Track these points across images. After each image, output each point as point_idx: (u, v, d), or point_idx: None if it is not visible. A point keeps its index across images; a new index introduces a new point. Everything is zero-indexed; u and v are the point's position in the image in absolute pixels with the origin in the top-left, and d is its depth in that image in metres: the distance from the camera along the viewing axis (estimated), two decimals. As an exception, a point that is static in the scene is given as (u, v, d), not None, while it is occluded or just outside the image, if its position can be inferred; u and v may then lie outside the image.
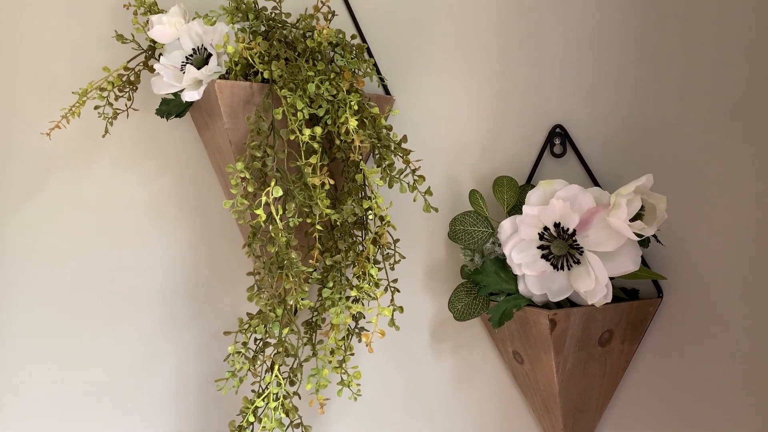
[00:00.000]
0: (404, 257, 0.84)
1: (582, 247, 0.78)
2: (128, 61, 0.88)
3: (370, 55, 0.93)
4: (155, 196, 0.96)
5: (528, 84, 0.90)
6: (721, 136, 0.85)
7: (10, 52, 0.97)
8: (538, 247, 0.80)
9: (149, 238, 0.96)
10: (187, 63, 0.83)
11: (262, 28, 0.85)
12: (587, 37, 0.89)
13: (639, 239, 0.75)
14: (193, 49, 0.84)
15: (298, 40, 0.83)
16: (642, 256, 0.79)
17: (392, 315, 0.79)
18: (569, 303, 0.82)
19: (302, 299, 0.76)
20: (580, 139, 0.89)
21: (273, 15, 0.86)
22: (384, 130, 0.80)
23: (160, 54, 0.85)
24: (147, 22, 0.86)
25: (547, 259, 0.80)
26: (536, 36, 0.90)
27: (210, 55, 0.82)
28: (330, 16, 0.87)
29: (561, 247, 0.79)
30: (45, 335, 0.97)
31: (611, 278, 0.77)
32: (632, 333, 0.84)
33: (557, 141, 0.89)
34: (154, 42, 0.88)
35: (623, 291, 0.85)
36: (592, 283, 0.76)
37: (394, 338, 0.91)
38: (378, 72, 0.93)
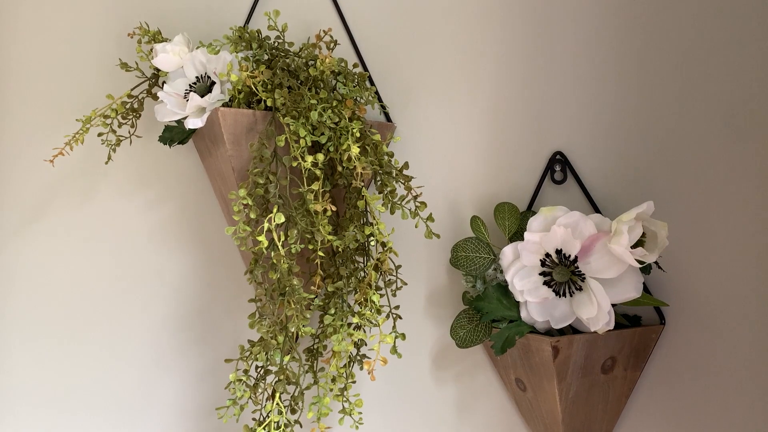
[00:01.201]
0: (406, 284, 0.83)
1: (584, 274, 0.78)
2: (132, 89, 0.89)
3: (372, 83, 0.94)
4: (157, 222, 0.96)
5: (528, 111, 0.91)
6: (721, 163, 0.86)
7: (14, 79, 0.98)
8: (540, 274, 0.80)
9: (151, 264, 0.96)
10: (190, 91, 0.84)
11: (266, 57, 0.85)
12: (587, 64, 0.90)
13: (640, 266, 0.75)
14: (197, 77, 0.84)
15: (301, 68, 0.83)
16: (644, 283, 0.79)
17: (394, 342, 0.79)
18: (572, 330, 0.82)
19: (304, 326, 0.75)
20: (581, 165, 0.89)
21: (276, 44, 0.87)
22: (386, 157, 0.81)
23: (164, 82, 0.86)
24: (151, 50, 0.87)
25: (549, 286, 0.80)
26: (536, 63, 0.91)
27: (213, 83, 0.83)
28: (332, 45, 0.88)
29: (563, 273, 0.79)
30: (44, 361, 0.96)
31: (613, 305, 0.77)
32: (635, 360, 0.84)
33: (557, 168, 0.90)
34: (158, 70, 0.88)
35: (625, 317, 0.85)
36: (595, 310, 0.76)
37: (395, 365, 0.90)
38: (379, 100, 0.94)
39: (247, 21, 0.94)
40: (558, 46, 0.91)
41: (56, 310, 0.96)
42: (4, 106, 0.98)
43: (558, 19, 0.91)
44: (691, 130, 0.87)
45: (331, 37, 0.88)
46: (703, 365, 0.85)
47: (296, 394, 0.77)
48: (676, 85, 0.87)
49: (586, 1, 0.90)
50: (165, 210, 0.96)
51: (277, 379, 0.76)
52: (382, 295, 0.81)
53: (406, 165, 0.81)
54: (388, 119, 0.94)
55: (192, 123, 0.80)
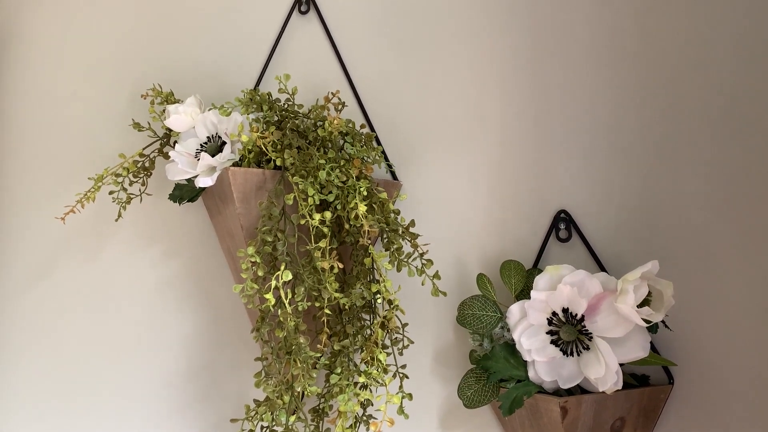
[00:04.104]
0: (413, 342, 0.83)
1: (591, 333, 0.78)
2: (144, 148, 0.91)
3: (379, 142, 0.95)
4: (165, 278, 0.96)
5: (532, 170, 0.92)
6: (726, 221, 0.86)
7: (28, 137, 1.00)
8: (547, 333, 0.80)
9: (158, 320, 0.96)
10: (201, 150, 0.85)
11: (276, 118, 0.87)
12: (591, 122, 0.91)
13: (647, 325, 0.75)
14: (208, 137, 0.86)
15: (310, 129, 0.85)
16: (651, 342, 0.79)
17: (401, 402, 0.77)
18: (580, 390, 0.81)
19: (310, 386, 0.75)
20: (585, 224, 0.90)
21: (286, 106, 0.89)
22: (392, 215, 0.81)
23: (175, 141, 0.87)
24: (164, 111, 0.89)
25: (557, 345, 0.79)
26: (540, 122, 0.93)
27: (224, 143, 0.84)
28: (340, 106, 0.90)
29: (570, 332, 0.79)
30: (50, 414, 0.95)
31: (621, 364, 0.76)
32: (644, 420, 0.83)
33: (562, 226, 0.90)
34: (170, 130, 0.90)
35: (633, 377, 0.84)
36: (602, 370, 0.75)
37: (402, 426, 0.88)
38: (386, 159, 0.95)
39: (258, 84, 0.97)
40: (563, 105, 0.92)
41: (63, 364, 0.96)
42: (18, 164, 1.00)
43: (563, 78, 0.92)
44: (696, 189, 0.87)
45: (339, 99, 0.91)
46: (713, 425, 0.84)
47: (302, 455, 0.76)
48: (682, 143, 0.88)
49: (590, 60, 0.92)
50: (173, 266, 0.96)
51: (282, 440, 0.74)
52: (388, 354, 0.80)
53: (412, 223, 0.82)
54: (395, 177, 0.95)
55: (203, 182, 0.81)
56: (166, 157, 0.90)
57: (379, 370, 0.78)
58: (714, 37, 0.89)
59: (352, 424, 0.80)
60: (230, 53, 0.99)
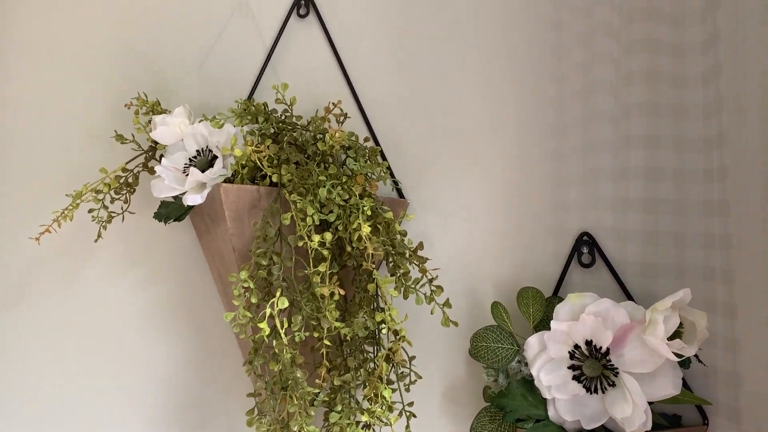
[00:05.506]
0: (420, 377, 0.80)
1: (617, 368, 0.76)
2: (127, 162, 0.88)
3: (384, 157, 0.93)
4: (148, 305, 0.93)
5: (551, 188, 0.90)
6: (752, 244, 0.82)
7: (0, 150, 0.95)
8: (569, 368, 0.78)
9: (140, 351, 0.92)
10: (190, 165, 0.83)
11: (272, 131, 0.85)
12: (617, 136, 0.88)
13: (679, 359, 0.73)
14: (198, 151, 0.83)
15: (309, 143, 0.83)
16: (683, 378, 0.76)
17: (408, 445, 0.75)
18: (604, 430, 0.78)
19: (307, 425, 0.72)
20: (610, 247, 0.88)
21: (283, 117, 0.87)
22: (398, 237, 0.79)
23: (162, 155, 0.85)
24: (149, 122, 0.86)
25: (579, 381, 0.77)
26: (561, 135, 0.91)
27: (215, 157, 0.82)
28: (342, 118, 0.88)
29: (594, 367, 0.77)
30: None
31: (650, 403, 0.74)
32: (675, 464, 0.80)
33: (585, 250, 0.89)
34: (156, 143, 0.87)
35: (663, 417, 0.82)
36: (630, 409, 0.74)
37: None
38: (392, 175, 0.93)
39: (252, 93, 0.94)
40: (585, 115, 0.90)
41: (34, 401, 0.92)
42: (-10, 178, 0.95)
43: (584, 90, 0.90)
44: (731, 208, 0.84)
45: (341, 109, 0.89)
46: (749, 469, 0.79)
47: (298, 504, 0.73)
48: (711, 157, 0.86)
49: (611, 72, 0.89)
50: (157, 292, 0.93)
51: (276, 486, 0.72)
52: (394, 390, 0.78)
53: (420, 245, 0.80)
54: (401, 195, 0.93)
55: (191, 199, 0.79)
56: (152, 172, 0.87)
57: (384, 407, 0.76)
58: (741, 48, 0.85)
59: (353, 469, 0.77)
60: (222, 60, 0.96)
